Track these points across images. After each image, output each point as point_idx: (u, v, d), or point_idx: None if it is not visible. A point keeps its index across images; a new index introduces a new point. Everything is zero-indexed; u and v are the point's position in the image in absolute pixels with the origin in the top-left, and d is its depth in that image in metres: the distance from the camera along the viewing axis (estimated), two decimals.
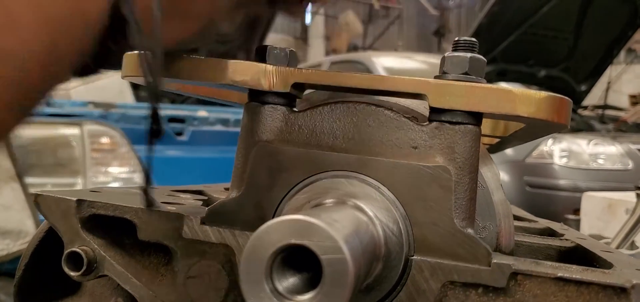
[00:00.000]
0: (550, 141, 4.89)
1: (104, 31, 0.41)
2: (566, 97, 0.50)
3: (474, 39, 0.51)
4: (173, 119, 3.68)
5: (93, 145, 3.12)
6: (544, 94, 0.48)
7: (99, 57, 0.42)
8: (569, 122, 0.51)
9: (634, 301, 0.45)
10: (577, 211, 3.28)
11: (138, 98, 4.38)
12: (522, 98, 0.47)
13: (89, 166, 3.12)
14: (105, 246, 0.57)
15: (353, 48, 12.11)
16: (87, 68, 0.44)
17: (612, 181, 4.66)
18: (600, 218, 2.70)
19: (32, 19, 0.35)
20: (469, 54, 0.50)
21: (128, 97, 4.32)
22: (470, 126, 0.49)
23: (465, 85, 0.48)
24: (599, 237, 2.15)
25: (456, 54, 0.50)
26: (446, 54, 0.51)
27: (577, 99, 6.63)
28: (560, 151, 4.93)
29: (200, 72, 0.52)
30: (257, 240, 0.36)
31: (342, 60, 7.51)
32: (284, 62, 0.53)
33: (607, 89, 7.38)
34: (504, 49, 5.76)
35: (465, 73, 0.49)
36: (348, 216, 0.43)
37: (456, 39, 0.52)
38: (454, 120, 0.49)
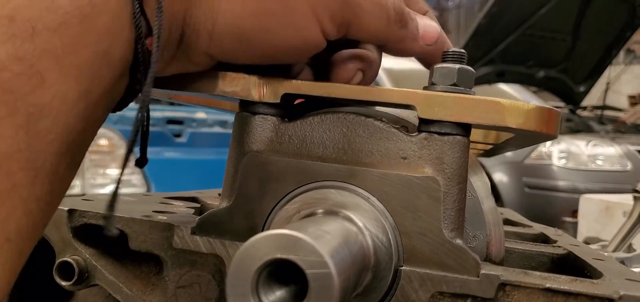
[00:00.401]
0: (549, 142, 4.90)
1: (130, 65, 0.42)
2: (555, 109, 0.50)
3: (462, 51, 0.51)
4: (171, 121, 3.68)
5: (91, 147, 3.12)
6: (532, 105, 0.48)
7: (129, 88, 0.44)
8: (558, 133, 0.51)
9: None
10: (575, 213, 3.29)
11: (137, 100, 4.38)
12: (511, 109, 0.47)
13: (87, 167, 3.12)
14: (96, 256, 0.57)
15: None
16: (121, 102, 0.45)
17: (610, 182, 4.67)
18: (597, 220, 2.70)
19: (58, 74, 0.36)
20: (457, 65, 0.50)
21: None
22: (458, 137, 0.49)
23: (453, 97, 0.48)
24: (596, 240, 2.15)
25: (444, 65, 0.50)
26: (435, 65, 0.51)
27: (576, 99, 6.64)
28: (559, 152, 4.94)
29: (191, 83, 0.52)
30: (244, 254, 0.36)
31: None
32: (274, 73, 0.53)
33: (606, 90, 7.39)
34: (502, 50, 5.76)
35: (454, 84, 0.49)
36: (337, 227, 0.43)
37: (444, 50, 0.52)
38: (442, 131, 0.49)
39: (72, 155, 0.40)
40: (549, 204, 4.72)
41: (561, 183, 4.82)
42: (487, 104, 0.47)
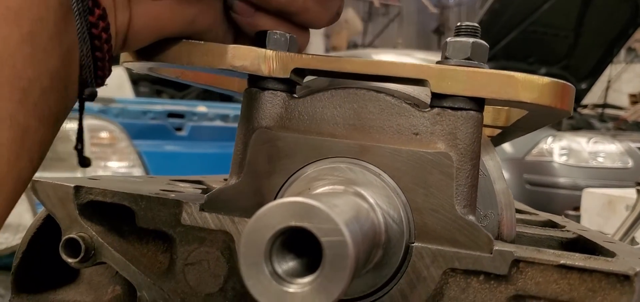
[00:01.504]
0: (550, 139, 4.90)
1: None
2: (569, 83, 0.49)
3: (476, 24, 0.50)
4: (172, 115, 3.67)
5: (92, 139, 3.12)
6: (547, 79, 0.47)
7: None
8: (572, 108, 0.50)
9: (637, 288, 0.45)
10: (576, 209, 3.28)
11: (137, 93, 4.38)
12: (525, 83, 0.47)
13: None
14: (103, 233, 0.56)
15: (353, 46, 12.13)
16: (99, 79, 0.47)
17: (611, 179, 4.67)
18: (600, 214, 2.70)
19: None
20: (471, 39, 0.49)
21: (127, 92, 4.31)
22: (472, 112, 0.48)
23: (466, 71, 0.47)
24: None
25: (458, 39, 0.50)
26: (448, 39, 0.50)
27: (577, 97, 6.63)
28: (560, 149, 4.93)
29: (199, 57, 0.51)
30: (257, 222, 0.36)
31: None
32: (284, 48, 0.52)
33: (607, 88, 7.38)
34: (504, 47, 5.75)
35: (468, 58, 0.49)
36: (348, 202, 0.43)
37: (458, 24, 0.51)
38: (455, 106, 0.48)
39: (33, 103, 0.40)
40: (549, 201, 4.71)
41: (562, 180, 4.82)
42: (501, 78, 0.47)
